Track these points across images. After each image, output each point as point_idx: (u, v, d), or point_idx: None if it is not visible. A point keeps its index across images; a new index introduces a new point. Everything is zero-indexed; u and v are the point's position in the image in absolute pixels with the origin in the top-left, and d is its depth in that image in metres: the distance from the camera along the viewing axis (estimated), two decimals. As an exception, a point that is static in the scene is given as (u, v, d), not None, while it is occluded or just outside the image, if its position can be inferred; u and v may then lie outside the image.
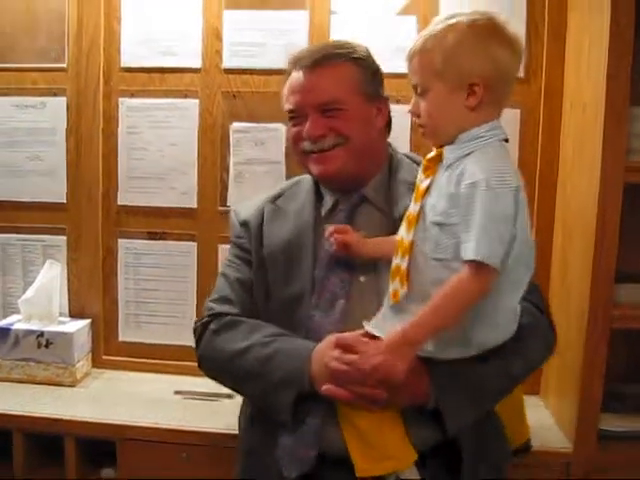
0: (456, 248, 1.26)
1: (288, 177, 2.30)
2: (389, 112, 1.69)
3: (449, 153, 1.32)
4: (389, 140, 1.75)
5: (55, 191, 2.56)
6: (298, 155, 1.67)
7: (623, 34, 1.79)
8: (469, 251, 1.22)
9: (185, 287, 2.55)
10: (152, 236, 2.55)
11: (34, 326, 2.43)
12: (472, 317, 1.29)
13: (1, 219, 2.61)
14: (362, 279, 1.56)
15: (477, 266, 1.22)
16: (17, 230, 2.60)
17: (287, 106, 1.65)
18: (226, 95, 2.45)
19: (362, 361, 1.31)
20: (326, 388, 1.39)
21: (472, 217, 1.22)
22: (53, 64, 2.51)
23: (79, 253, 2.58)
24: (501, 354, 1.39)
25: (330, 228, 1.54)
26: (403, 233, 1.37)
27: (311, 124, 1.58)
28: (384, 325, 1.37)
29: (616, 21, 1.79)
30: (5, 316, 2.57)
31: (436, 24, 1.33)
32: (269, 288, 1.65)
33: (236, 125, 2.46)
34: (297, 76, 1.62)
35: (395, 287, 1.35)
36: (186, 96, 2.47)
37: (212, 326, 1.65)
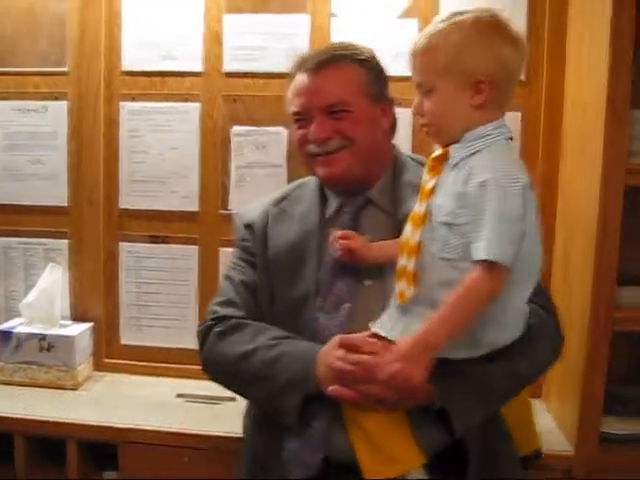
0: (464, 248, 1.26)
1: (289, 180, 2.29)
2: (394, 113, 1.69)
3: (455, 152, 1.31)
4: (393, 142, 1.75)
5: (56, 195, 2.56)
6: (304, 158, 1.66)
7: (624, 36, 1.79)
8: (480, 251, 1.21)
9: (187, 290, 2.55)
10: (154, 239, 2.55)
11: (36, 329, 2.43)
12: (480, 317, 1.28)
13: (3, 223, 2.61)
14: (367, 283, 1.55)
15: (489, 266, 1.21)
16: (19, 234, 2.61)
17: (292, 109, 1.63)
18: (227, 99, 2.45)
19: (378, 370, 1.29)
20: (332, 389, 1.38)
21: (482, 217, 1.21)
22: (54, 68, 2.51)
23: (81, 257, 2.58)
24: (508, 354, 1.38)
25: (335, 234, 1.54)
26: (408, 234, 1.35)
27: (317, 126, 1.58)
28: (390, 326, 1.37)
29: (617, 23, 1.79)
30: (7, 319, 2.57)
31: (439, 22, 1.32)
32: (273, 290, 1.64)
33: (237, 129, 2.46)
34: (302, 78, 1.61)
35: (401, 288, 1.34)
36: (187, 100, 2.47)
37: (216, 329, 1.64)
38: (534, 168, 2.28)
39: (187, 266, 2.54)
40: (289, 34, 2.39)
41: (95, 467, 2.24)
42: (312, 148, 1.61)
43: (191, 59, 2.45)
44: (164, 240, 2.55)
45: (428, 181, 1.35)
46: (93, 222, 2.56)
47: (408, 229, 1.36)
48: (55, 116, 2.54)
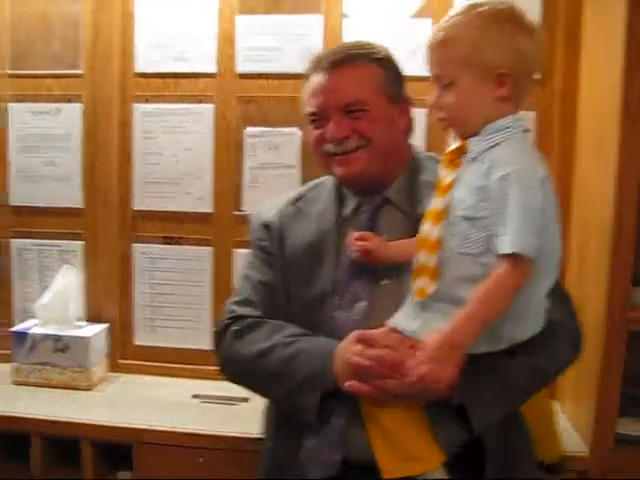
0: (486, 242, 1.25)
1: (303, 181, 2.30)
2: (411, 113, 1.68)
3: (474, 146, 1.30)
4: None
5: (71, 196, 2.58)
6: (320, 157, 1.64)
7: (639, 36, 1.79)
8: (506, 244, 1.20)
9: (200, 291, 2.56)
10: (168, 241, 2.56)
11: (51, 330, 2.45)
12: None
13: (17, 224, 2.63)
14: (384, 282, 1.54)
15: (515, 259, 1.20)
16: (33, 235, 2.63)
17: (308, 109, 1.62)
18: (241, 100, 2.46)
19: (406, 372, 1.27)
20: (349, 384, 1.37)
21: (506, 210, 1.21)
22: (68, 70, 2.53)
23: (95, 258, 2.60)
24: (528, 349, 1.36)
25: (352, 235, 1.53)
26: (428, 229, 1.34)
27: (334, 126, 1.56)
28: (407, 322, 1.36)
29: (632, 23, 1.79)
30: (22, 321, 2.59)
31: (456, 14, 1.31)
32: (290, 290, 1.63)
33: (250, 130, 2.46)
34: (318, 78, 1.59)
35: (421, 284, 1.33)
36: (201, 101, 2.48)
37: (233, 328, 1.63)
38: (548, 168, 2.25)
39: (201, 267, 2.55)
40: (302, 35, 2.39)
41: (109, 467, 2.25)
42: (329, 147, 1.59)
43: (204, 60, 2.46)
44: (178, 241, 2.55)
45: (446, 175, 1.34)
46: (107, 223, 2.57)
47: (427, 225, 1.35)
48: (69, 118, 2.55)
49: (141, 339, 2.61)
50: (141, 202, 2.55)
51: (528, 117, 2.25)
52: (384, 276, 1.54)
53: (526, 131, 1.34)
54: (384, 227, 1.59)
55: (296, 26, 2.40)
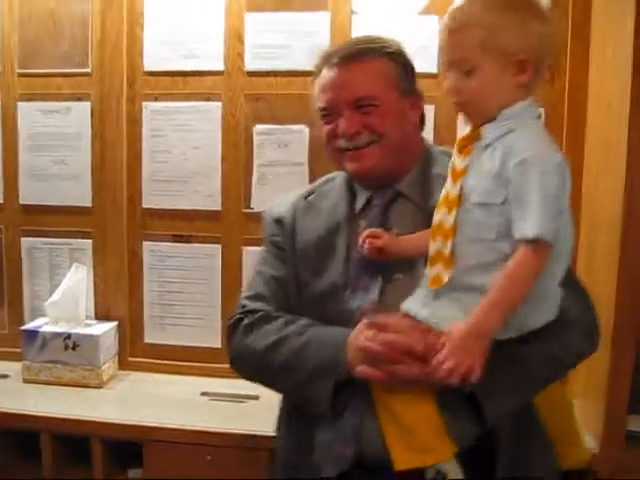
0: (500, 228, 1.25)
1: (311, 178, 2.30)
2: (423, 107, 1.66)
3: (489, 132, 1.29)
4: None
5: (80, 195, 2.59)
6: (332, 153, 1.63)
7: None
8: (527, 229, 1.20)
9: (210, 289, 2.56)
10: (177, 239, 2.57)
11: (61, 329, 2.46)
12: None
13: (27, 223, 2.64)
14: (397, 276, 1.53)
15: (537, 243, 1.20)
16: (43, 234, 2.64)
17: (319, 104, 1.60)
18: (249, 97, 2.46)
19: (433, 365, 1.25)
20: (360, 369, 1.36)
21: (524, 195, 1.20)
22: (77, 69, 2.54)
23: (105, 256, 2.60)
24: (542, 336, 1.34)
25: (364, 233, 1.53)
26: (442, 216, 1.33)
27: (346, 121, 1.55)
28: (419, 309, 1.35)
29: (641, 17, 1.78)
30: (33, 319, 2.60)
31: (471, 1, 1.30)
32: (301, 283, 1.63)
33: (259, 127, 2.46)
34: (328, 73, 1.58)
35: (435, 272, 1.33)
36: (209, 99, 2.48)
37: (245, 322, 1.62)
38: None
39: (210, 265, 2.55)
40: (310, 32, 2.39)
41: (119, 465, 2.26)
42: (341, 143, 1.58)
43: (213, 58, 2.46)
44: (187, 239, 2.56)
45: (459, 162, 1.33)
46: (117, 222, 2.57)
47: (441, 212, 1.34)
48: (78, 117, 2.56)
49: (151, 337, 2.62)
50: (150, 200, 2.56)
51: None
52: (397, 270, 1.53)
53: (539, 117, 1.33)
54: (396, 221, 1.58)
55: (304, 23, 2.40)
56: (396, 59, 1.60)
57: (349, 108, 1.55)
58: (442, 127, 2.30)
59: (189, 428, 2.11)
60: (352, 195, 1.67)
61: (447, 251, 1.31)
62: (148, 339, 2.63)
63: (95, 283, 2.61)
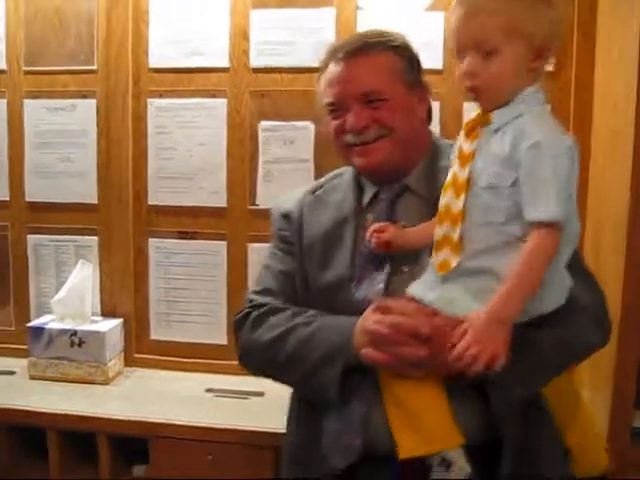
0: (509, 210, 1.25)
1: (317, 175, 2.30)
2: (430, 100, 1.66)
3: (498, 116, 1.29)
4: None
5: (86, 192, 2.59)
6: (340, 148, 1.63)
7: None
8: (543, 212, 1.20)
9: (215, 286, 2.56)
10: (182, 235, 2.57)
11: (67, 325, 2.47)
12: None
13: (34, 220, 2.65)
14: (404, 269, 1.53)
15: (551, 226, 1.21)
16: (49, 231, 2.64)
17: (326, 99, 1.60)
18: (254, 94, 2.46)
19: (456, 352, 1.24)
20: (365, 351, 1.37)
21: (539, 177, 1.21)
22: (83, 66, 2.54)
23: (110, 253, 2.61)
24: (551, 322, 1.34)
25: (370, 228, 1.53)
26: (450, 200, 1.33)
27: (354, 116, 1.55)
28: (425, 292, 1.36)
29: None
30: (39, 316, 2.61)
31: None
32: (308, 277, 1.63)
33: (264, 124, 2.46)
34: (335, 68, 1.57)
35: (443, 257, 1.33)
36: (214, 96, 2.48)
37: (253, 316, 1.62)
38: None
39: (216, 261, 2.55)
40: (315, 28, 2.39)
41: (126, 461, 2.26)
42: (349, 138, 1.58)
43: (218, 55, 2.46)
44: (193, 236, 2.56)
45: (467, 146, 1.33)
46: (122, 219, 2.58)
47: (449, 195, 1.34)
48: (84, 114, 2.56)
49: (156, 334, 2.63)
50: (155, 197, 2.56)
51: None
52: (403, 263, 1.53)
53: (546, 102, 1.33)
54: (403, 214, 1.58)
55: (309, 20, 2.40)
56: (402, 53, 1.60)
57: (357, 102, 1.55)
58: (448, 123, 2.30)
59: (195, 424, 2.11)
60: (359, 190, 1.67)
61: (456, 236, 1.31)
62: (154, 336, 2.63)
63: (101, 280, 2.62)
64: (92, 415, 2.17)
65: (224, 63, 2.46)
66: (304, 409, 1.60)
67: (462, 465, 1.33)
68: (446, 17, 2.27)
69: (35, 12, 2.54)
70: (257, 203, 2.48)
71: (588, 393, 2.16)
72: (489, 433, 1.38)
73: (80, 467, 2.24)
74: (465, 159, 1.32)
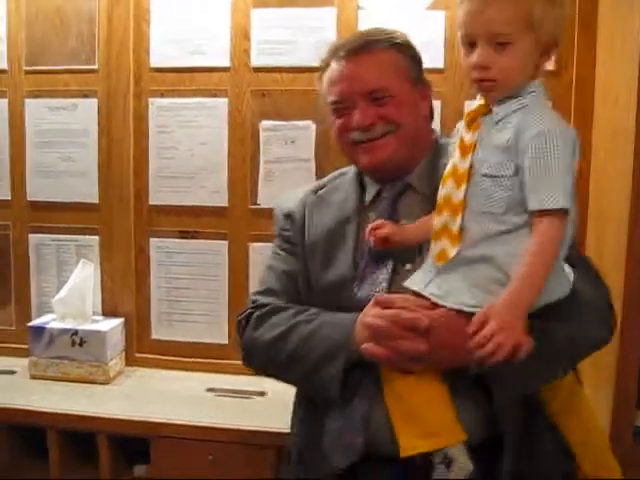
0: (510, 200, 1.25)
1: (318, 174, 2.30)
2: (431, 97, 1.66)
3: (501, 108, 1.30)
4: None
5: (87, 191, 2.59)
6: (345, 146, 1.62)
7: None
8: (552, 200, 1.21)
9: (217, 285, 2.56)
10: (184, 235, 2.57)
11: (68, 325, 2.46)
12: None
13: (35, 219, 2.65)
14: (408, 267, 1.53)
15: (559, 213, 1.22)
16: (51, 230, 2.64)
17: (330, 98, 1.60)
18: (255, 93, 2.46)
19: (479, 341, 1.20)
20: (365, 346, 1.36)
21: (545, 165, 1.21)
22: (84, 66, 2.54)
23: (112, 253, 2.61)
24: (556, 314, 1.33)
25: (368, 227, 1.52)
26: (450, 190, 1.33)
27: (360, 113, 1.54)
28: (424, 284, 1.36)
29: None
30: (40, 315, 2.61)
31: None
32: (311, 276, 1.63)
33: (265, 123, 2.46)
34: (338, 66, 1.57)
35: (442, 247, 1.33)
36: (215, 95, 2.48)
37: (255, 315, 1.62)
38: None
39: (217, 261, 2.55)
40: (316, 28, 2.39)
41: (127, 461, 2.26)
42: (355, 135, 1.57)
43: (219, 54, 2.46)
44: (194, 235, 2.56)
45: (468, 137, 1.33)
46: (123, 218, 2.58)
47: (448, 186, 1.34)
48: (85, 113, 2.56)
49: (157, 333, 2.62)
50: (157, 196, 2.56)
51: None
52: (406, 261, 1.53)
53: (547, 96, 1.33)
54: (405, 213, 1.58)
55: (310, 19, 2.40)
56: (404, 50, 1.61)
57: (363, 100, 1.55)
58: (449, 123, 2.29)
59: (196, 424, 2.11)
60: (362, 189, 1.67)
61: (456, 226, 1.31)
62: (155, 335, 2.63)
63: (102, 279, 2.62)
64: (93, 415, 2.17)
65: (225, 62, 2.46)
66: (307, 409, 1.60)
67: (463, 463, 1.32)
68: (447, 16, 2.28)
69: (36, 12, 2.54)
70: (258, 202, 2.48)
71: (589, 392, 2.16)
72: (491, 431, 1.38)
73: (80, 467, 2.24)
74: (466, 150, 1.32)
